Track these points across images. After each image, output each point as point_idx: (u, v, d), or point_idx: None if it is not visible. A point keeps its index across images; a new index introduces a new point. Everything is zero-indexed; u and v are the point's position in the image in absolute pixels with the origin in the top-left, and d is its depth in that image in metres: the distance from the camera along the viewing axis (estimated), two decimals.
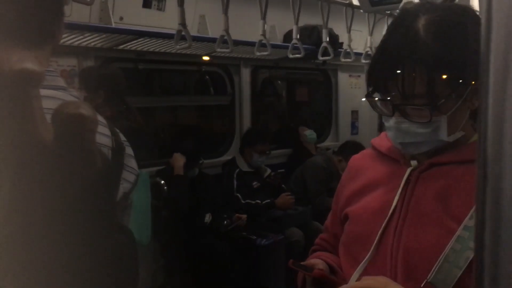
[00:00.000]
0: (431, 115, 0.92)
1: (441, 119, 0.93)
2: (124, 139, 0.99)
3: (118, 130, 0.99)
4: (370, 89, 1.00)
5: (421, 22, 0.92)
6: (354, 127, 5.30)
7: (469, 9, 0.97)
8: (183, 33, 2.45)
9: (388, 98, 0.96)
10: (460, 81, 0.91)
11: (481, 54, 0.39)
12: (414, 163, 1.01)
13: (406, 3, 1.93)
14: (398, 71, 0.91)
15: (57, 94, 0.82)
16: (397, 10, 1.97)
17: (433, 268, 0.89)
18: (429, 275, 0.89)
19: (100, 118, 0.93)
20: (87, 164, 0.73)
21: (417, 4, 1.00)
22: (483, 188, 0.39)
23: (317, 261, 1.08)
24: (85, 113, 0.69)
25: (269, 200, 3.75)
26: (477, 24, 0.93)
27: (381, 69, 0.96)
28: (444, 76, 0.90)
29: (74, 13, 2.75)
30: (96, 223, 0.83)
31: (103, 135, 0.91)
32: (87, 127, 0.70)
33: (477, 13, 0.98)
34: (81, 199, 0.75)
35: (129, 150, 0.99)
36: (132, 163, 1.00)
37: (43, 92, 0.69)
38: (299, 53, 3.16)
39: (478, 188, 0.40)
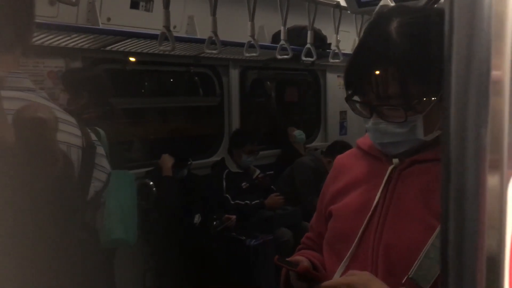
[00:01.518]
0: (406, 115, 0.94)
1: (417, 118, 0.95)
2: (95, 139, 1.00)
3: (89, 130, 1.00)
4: (349, 91, 1.02)
5: (394, 25, 0.94)
6: (342, 127, 5.33)
7: (440, 10, 0.99)
8: (167, 35, 2.46)
9: (366, 100, 0.98)
10: (434, 81, 0.93)
11: (444, 52, 0.40)
12: (395, 161, 1.03)
13: (381, 6, 1.96)
14: (372, 73, 0.94)
15: (23, 95, 0.83)
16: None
17: (414, 264, 0.90)
18: (410, 271, 0.90)
19: (69, 118, 0.94)
20: (47, 164, 0.73)
21: (391, 8, 1.03)
22: (447, 187, 0.41)
23: (301, 258, 1.10)
24: (44, 116, 0.69)
25: (258, 201, 3.76)
26: None
27: (356, 72, 0.99)
28: (417, 76, 0.92)
29: (61, 14, 2.73)
30: (58, 221, 0.83)
31: (73, 135, 0.92)
32: (47, 129, 0.70)
33: None
34: (42, 198, 0.75)
35: (100, 150, 1.00)
36: (103, 162, 1.01)
37: (9, 93, 0.68)
38: (287, 54, 3.17)
39: (442, 187, 0.41)
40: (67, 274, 0.86)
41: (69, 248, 0.88)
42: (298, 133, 4.60)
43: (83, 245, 0.93)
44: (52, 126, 0.71)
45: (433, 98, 0.94)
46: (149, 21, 3.15)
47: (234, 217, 3.56)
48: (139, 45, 3.19)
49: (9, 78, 0.82)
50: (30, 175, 0.71)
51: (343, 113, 5.27)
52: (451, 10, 0.40)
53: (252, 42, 2.91)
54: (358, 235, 1.00)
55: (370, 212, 1.01)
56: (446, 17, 0.40)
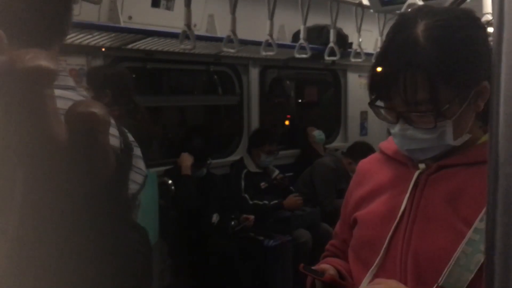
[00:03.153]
0: (435, 121, 0.91)
1: (446, 124, 0.93)
2: (133, 140, 0.98)
3: (126, 130, 0.98)
4: (373, 96, 0.99)
5: (420, 28, 0.92)
6: (363, 128, 5.27)
7: (468, 12, 0.97)
8: (188, 33, 2.46)
9: (391, 106, 0.95)
10: (463, 85, 0.90)
11: (493, 55, 0.39)
12: (422, 166, 1.00)
13: (409, 5, 1.91)
14: (400, 79, 0.91)
15: (67, 94, 0.82)
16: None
17: (444, 272, 0.88)
18: (440, 279, 0.88)
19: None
20: (101, 162, 0.71)
21: (415, 9, 0.99)
22: (494, 189, 0.39)
23: (327, 266, 1.08)
24: (98, 112, 0.68)
25: (277, 201, 3.74)
26: (477, 27, 0.94)
27: (382, 77, 0.96)
28: (446, 82, 0.90)
29: (83, 12, 2.75)
30: (111, 221, 0.82)
31: (112, 135, 0.91)
32: (101, 125, 0.69)
33: (477, 16, 0.97)
34: (95, 198, 0.74)
35: (137, 151, 0.98)
36: (140, 164, 0.99)
37: (54, 92, 0.68)
38: (305, 53, 3.14)
39: (489, 189, 0.40)
40: (118, 273, 0.85)
41: (121, 249, 0.87)
42: (317, 133, 4.56)
43: (135, 244, 0.92)
44: (105, 122, 0.70)
45: (462, 103, 0.91)
46: (170, 20, 3.16)
47: (252, 217, 3.54)
48: (160, 43, 3.20)
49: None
50: (85, 173, 0.70)
51: (363, 114, 5.20)
52: (501, 13, 0.37)
53: (269, 41, 2.89)
54: (386, 243, 0.98)
55: (397, 219, 0.98)
56: (495, 20, 0.38)
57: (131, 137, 0.98)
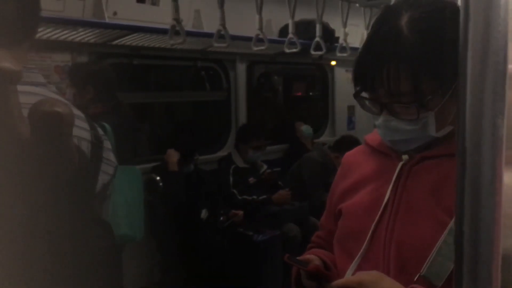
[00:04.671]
0: (418, 112, 0.92)
1: (428, 115, 0.94)
2: (102, 133, 1.00)
3: (102, 126, 1.00)
4: (358, 88, 1.00)
5: (404, 20, 0.92)
6: (350, 122, 5.29)
7: (452, 4, 0.97)
8: (177, 28, 2.43)
9: (375, 97, 0.96)
10: (446, 76, 0.91)
11: (459, 44, 0.41)
12: (405, 157, 1.01)
13: None
14: (383, 70, 0.92)
15: (36, 90, 0.83)
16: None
17: (426, 261, 0.89)
18: (422, 268, 0.89)
19: (78, 112, 0.94)
20: (64, 159, 0.72)
21: (400, 1, 0.99)
22: (462, 177, 0.41)
23: (312, 257, 1.09)
24: (61, 111, 0.69)
25: (265, 196, 3.75)
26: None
27: (366, 68, 0.97)
28: (429, 73, 0.90)
29: (68, 8, 2.72)
30: (75, 216, 0.83)
31: (82, 129, 0.92)
32: (64, 124, 0.70)
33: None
34: (60, 193, 0.75)
35: (107, 144, 1.01)
36: (110, 155, 1.02)
37: (22, 88, 0.68)
38: (295, 48, 3.14)
39: (458, 177, 0.41)
40: (81, 268, 0.86)
41: (85, 243, 0.88)
42: (305, 128, 4.57)
43: (99, 239, 0.94)
44: (69, 121, 0.71)
45: (445, 95, 0.92)
46: (156, 15, 3.14)
47: (241, 212, 3.55)
48: (146, 39, 3.18)
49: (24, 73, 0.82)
50: (47, 170, 0.70)
51: (351, 108, 5.23)
52: (467, 4, 0.38)
53: (260, 36, 2.88)
54: (369, 233, 0.99)
55: (381, 210, 0.99)
56: (462, 11, 0.40)
57: (100, 131, 1.00)
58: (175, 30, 2.46)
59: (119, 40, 3.10)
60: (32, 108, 0.67)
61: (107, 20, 2.87)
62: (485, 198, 0.39)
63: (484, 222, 0.39)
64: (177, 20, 2.40)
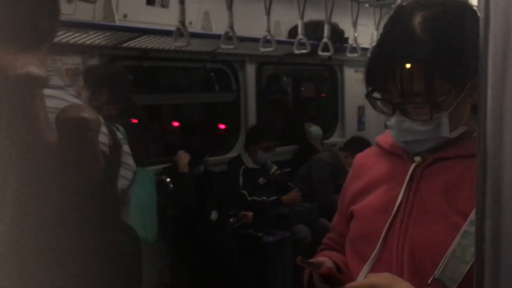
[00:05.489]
0: (431, 112, 0.91)
1: (442, 116, 0.93)
2: (121, 137, 0.99)
3: (116, 128, 0.99)
4: (369, 88, 0.99)
5: (417, 20, 0.92)
6: (360, 122, 5.27)
7: (465, 4, 0.97)
8: (182, 31, 2.45)
9: (388, 98, 0.96)
10: (459, 77, 0.90)
11: (480, 49, 0.40)
12: (418, 158, 1.00)
13: None
14: (396, 70, 0.91)
15: (55, 93, 0.83)
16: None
17: (440, 264, 0.88)
18: (436, 271, 0.88)
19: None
20: (91, 164, 0.72)
21: (413, 1, 0.99)
22: (483, 181, 0.40)
23: (324, 259, 1.08)
24: (88, 117, 0.69)
25: (275, 197, 3.74)
26: (474, 19, 0.93)
27: (379, 68, 0.96)
28: (442, 73, 0.90)
29: (78, 11, 2.74)
30: (102, 222, 0.83)
31: (101, 133, 0.92)
32: (91, 130, 0.70)
33: (474, 8, 0.97)
34: (86, 200, 0.75)
35: (125, 148, 1.00)
36: (129, 160, 1.01)
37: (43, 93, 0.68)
38: (305, 49, 3.14)
39: (478, 181, 0.40)
40: (110, 274, 0.86)
41: (111, 250, 0.87)
42: (314, 129, 4.56)
43: (127, 245, 0.93)
44: (95, 127, 0.71)
45: (458, 95, 0.91)
46: (166, 17, 3.15)
47: (250, 214, 3.54)
48: (156, 41, 3.19)
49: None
50: (74, 176, 0.70)
51: (361, 109, 5.21)
52: (487, 5, 0.38)
53: (268, 37, 2.88)
54: (382, 236, 0.98)
55: (394, 212, 0.98)
56: (482, 13, 0.39)
57: (120, 135, 0.99)
58: (181, 33, 2.48)
59: (129, 43, 3.11)
60: (59, 113, 0.67)
61: (117, 23, 2.89)
62: (506, 201, 0.38)
63: (505, 226, 0.38)
64: (182, 23, 2.42)
